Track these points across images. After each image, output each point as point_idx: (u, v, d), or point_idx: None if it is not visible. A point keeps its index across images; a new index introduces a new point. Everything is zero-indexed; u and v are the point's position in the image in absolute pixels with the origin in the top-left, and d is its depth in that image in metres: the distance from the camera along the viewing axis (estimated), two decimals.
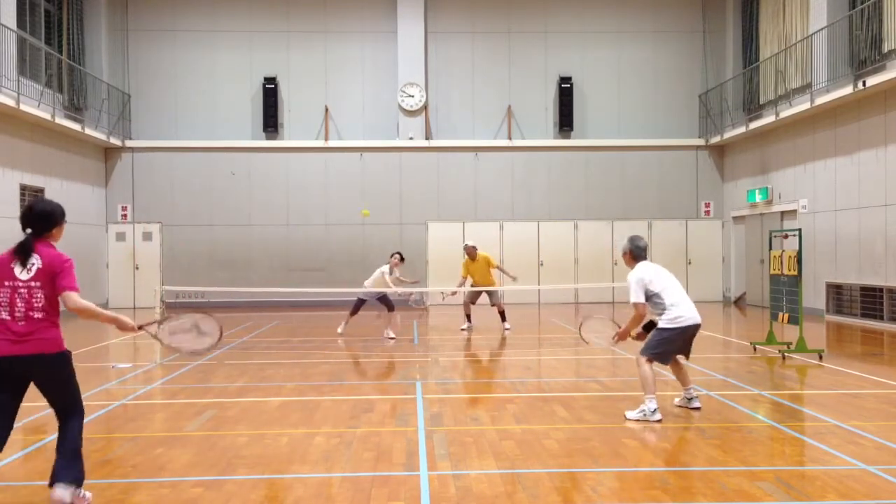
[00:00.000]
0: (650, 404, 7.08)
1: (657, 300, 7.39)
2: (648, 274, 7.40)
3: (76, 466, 4.80)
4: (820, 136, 17.63)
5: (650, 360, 7.34)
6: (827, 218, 17.32)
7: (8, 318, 4.77)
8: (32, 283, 4.85)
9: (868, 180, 15.86)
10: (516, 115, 22.65)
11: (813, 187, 17.91)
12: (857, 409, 7.65)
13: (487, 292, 15.01)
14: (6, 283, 4.82)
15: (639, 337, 7.71)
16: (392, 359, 11.48)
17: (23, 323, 4.79)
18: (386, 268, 13.88)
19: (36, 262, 4.92)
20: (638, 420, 7.07)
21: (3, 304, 4.79)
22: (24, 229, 5.04)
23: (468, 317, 15.18)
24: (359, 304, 14.25)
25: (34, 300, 4.84)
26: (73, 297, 4.93)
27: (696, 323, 7.43)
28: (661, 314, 7.44)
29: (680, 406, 7.63)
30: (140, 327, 5.34)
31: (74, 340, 13.74)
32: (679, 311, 7.36)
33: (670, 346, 7.38)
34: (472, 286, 15.00)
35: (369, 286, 13.98)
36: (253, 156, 22.22)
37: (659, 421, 7.01)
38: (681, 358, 7.75)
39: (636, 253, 7.61)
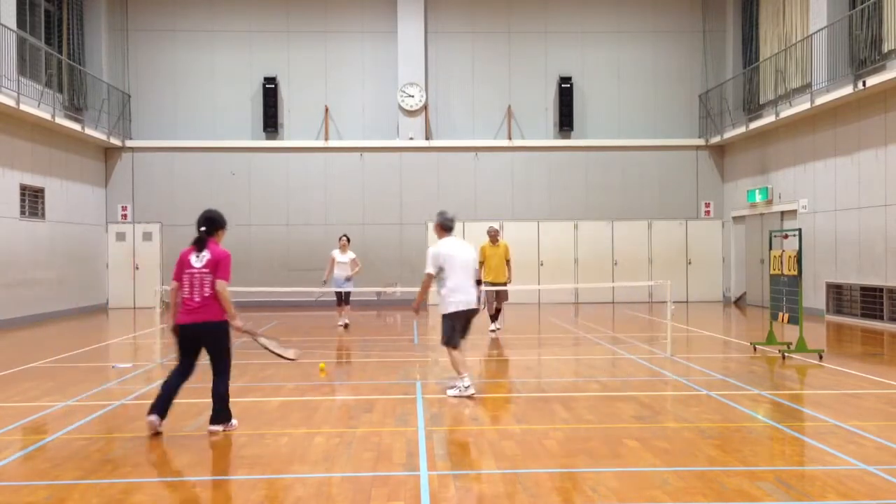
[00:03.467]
0: (464, 382, 8.24)
1: (441, 276, 8.32)
2: (445, 250, 8.33)
3: (224, 410, 6.81)
4: (820, 136, 17.63)
5: (453, 349, 8.37)
6: (827, 218, 17.32)
7: (188, 295, 6.65)
8: (204, 271, 6.66)
9: (868, 180, 15.86)
10: (516, 115, 22.65)
11: (813, 187, 17.91)
12: (857, 409, 7.65)
13: (497, 292, 14.29)
14: (186, 271, 6.68)
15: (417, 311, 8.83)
16: (392, 359, 11.48)
17: (197, 299, 6.64)
18: (335, 251, 15.50)
19: (206, 254, 6.71)
20: (457, 396, 8.18)
21: (184, 285, 6.66)
22: (198, 228, 6.78)
23: (492, 317, 14.66)
24: (338, 296, 15.49)
25: (204, 283, 6.65)
26: (222, 285, 6.67)
27: (472, 308, 8.39)
28: (439, 291, 8.41)
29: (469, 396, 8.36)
30: (248, 331, 6.95)
31: (75, 340, 13.76)
32: (455, 297, 8.28)
33: (455, 330, 8.36)
34: (484, 281, 14.07)
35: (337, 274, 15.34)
36: (253, 156, 22.22)
37: (471, 396, 8.15)
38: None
39: (445, 225, 8.59)
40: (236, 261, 20.58)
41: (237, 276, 21.26)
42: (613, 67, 22.87)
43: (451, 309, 8.26)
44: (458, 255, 8.36)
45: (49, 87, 18.41)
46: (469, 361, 11.69)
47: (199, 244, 6.73)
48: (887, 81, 14.56)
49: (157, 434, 6.62)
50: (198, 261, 6.67)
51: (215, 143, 22.17)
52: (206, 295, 6.63)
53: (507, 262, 14.46)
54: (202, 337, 6.74)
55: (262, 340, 7.20)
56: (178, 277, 6.71)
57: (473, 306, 8.38)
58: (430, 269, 8.31)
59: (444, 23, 22.60)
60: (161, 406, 6.69)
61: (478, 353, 12.69)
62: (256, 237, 21.97)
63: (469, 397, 8.17)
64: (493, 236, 14.52)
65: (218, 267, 6.66)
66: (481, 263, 14.43)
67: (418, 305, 8.73)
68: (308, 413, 7.60)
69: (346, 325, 15.53)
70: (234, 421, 6.91)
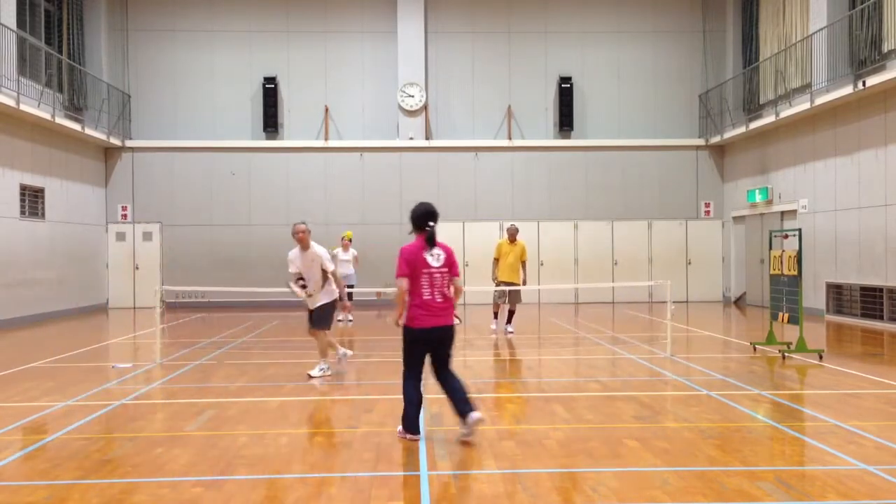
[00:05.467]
0: (324, 364, 9.56)
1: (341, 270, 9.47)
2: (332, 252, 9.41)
3: (468, 396, 6.43)
4: (820, 136, 17.63)
5: (324, 331, 9.57)
6: (827, 218, 17.32)
7: (429, 297, 6.22)
8: (443, 269, 6.29)
9: (868, 180, 15.86)
10: (516, 115, 22.65)
11: (813, 187, 17.91)
12: (857, 409, 7.65)
13: (510, 293, 14.09)
14: (424, 270, 6.22)
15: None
16: (392, 359, 11.47)
17: (440, 300, 6.26)
18: (338, 250, 16.31)
19: (440, 252, 6.31)
20: (319, 376, 9.42)
21: (423, 286, 6.22)
22: (425, 224, 6.30)
23: (496, 315, 14.67)
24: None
25: (444, 283, 6.29)
26: (459, 282, 6.43)
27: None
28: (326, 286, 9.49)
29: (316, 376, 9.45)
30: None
31: (75, 340, 13.76)
32: (330, 290, 9.53)
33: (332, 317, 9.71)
34: (496, 280, 14.22)
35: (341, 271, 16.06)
36: (253, 156, 22.22)
37: (328, 374, 9.46)
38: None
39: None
40: (237, 261, 20.58)
41: (238, 276, 21.18)
42: (613, 67, 22.88)
43: (334, 298, 9.61)
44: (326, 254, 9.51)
45: (49, 87, 18.42)
46: (470, 361, 11.71)
47: (432, 240, 6.28)
48: (887, 81, 14.56)
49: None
50: (434, 259, 6.25)
51: (215, 143, 22.17)
52: (448, 295, 6.31)
53: (523, 263, 14.20)
54: (446, 340, 6.39)
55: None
56: (411, 276, 6.24)
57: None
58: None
59: (444, 23, 22.60)
60: (417, 422, 6.46)
61: (478, 353, 12.68)
62: (256, 237, 21.95)
63: (328, 375, 9.51)
64: (513, 234, 14.24)
65: (453, 264, 6.36)
66: (496, 260, 14.33)
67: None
68: (308, 413, 7.60)
69: (348, 321, 16.42)
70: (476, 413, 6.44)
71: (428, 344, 6.33)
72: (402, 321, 6.35)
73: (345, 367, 10.24)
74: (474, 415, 6.28)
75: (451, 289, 6.36)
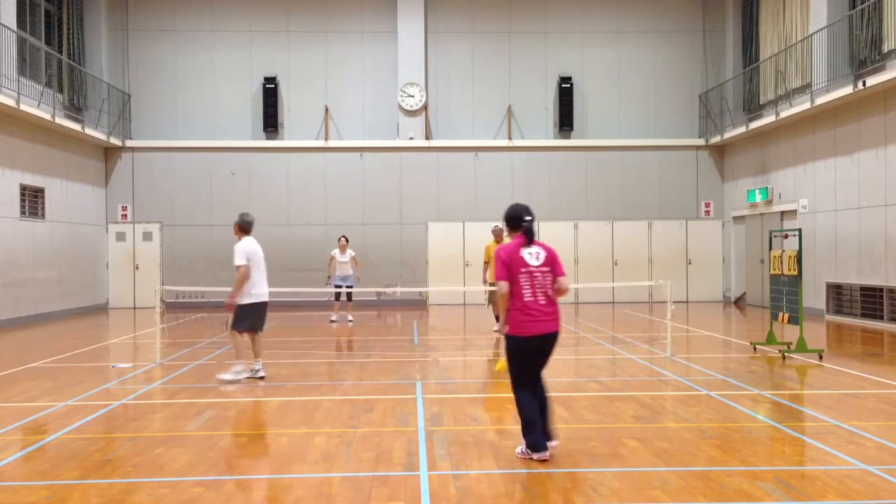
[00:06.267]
0: (238, 367, 9.19)
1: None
2: (251, 249, 9.25)
3: (549, 419, 5.88)
4: (820, 136, 17.63)
5: (240, 333, 9.29)
6: (827, 218, 17.32)
7: (531, 299, 5.68)
8: (544, 269, 5.78)
9: (868, 180, 15.86)
10: (516, 115, 22.65)
11: (813, 187, 17.91)
12: (857, 409, 7.65)
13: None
14: (523, 270, 5.70)
15: (228, 308, 9.25)
16: (392, 359, 11.47)
17: (543, 302, 5.74)
18: (335, 252, 16.48)
19: (540, 250, 5.82)
20: (231, 381, 9.07)
21: (523, 288, 5.68)
22: (521, 220, 5.81)
23: (497, 317, 14.76)
24: (337, 294, 16.58)
25: (546, 284, 5.77)
26: (567, 282, 5.90)
27: (264, 301, 9.39)
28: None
29: (249, 378, 9.21)
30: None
31: (75, 340, 13.76)
32: (255, 290, 9.22)
33: (247, 319, 9.27)
34: (489, 281, 14.21)
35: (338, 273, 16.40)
36: (253, 156, 22.22)
37: (240, 381, 9.02)
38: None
39: (244, 227, 9.48)
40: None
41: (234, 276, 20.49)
42: (613, 67, 22.87)
43: (254, 300, 9.26)
44: (259, 253, 9.39)
45: (49, 87, 18.41)
46: (471, 361, 11.72)
47: (530, 235, 5.82)
48: (887, 81, 14.55)
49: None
50: (534, 258, 5.77)
51: (215, 143, 22.17)
52: (551, 297, 5.81)
53: None
54: (548, 348, 5.88)
55: None
56: (511, 278, 5.73)
57: (267, 300, 9.45)
58: (243, 262, 9.13)
59: (444, 23, 22.60)
60: (542, 438, 5.79)
61: (479, 353, 12.68)
62: (256, 237, 21.81)
63: (254, 379, 9.20)
64: (499, 235, 14.17)
65: (556, 263, 5.87)
66: (486, 263, 14.47)
67: (232, 300, 9.19)
68: (308, 413, 7.60)
69: (348, 322, 16.62)
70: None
71: (534, 351, 5.81)
72: (505, 328, 5.83)
73: (242, 383, 9.15)
74: (550, 443, 5.86)
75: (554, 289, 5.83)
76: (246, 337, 9.39)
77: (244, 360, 9.29)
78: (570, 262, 22.15)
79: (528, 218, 5.85)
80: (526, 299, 5.68)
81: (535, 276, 5.73)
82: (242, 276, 9.10)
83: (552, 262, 5.83)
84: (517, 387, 5.85)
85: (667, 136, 22.74)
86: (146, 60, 22.32)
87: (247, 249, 9.23)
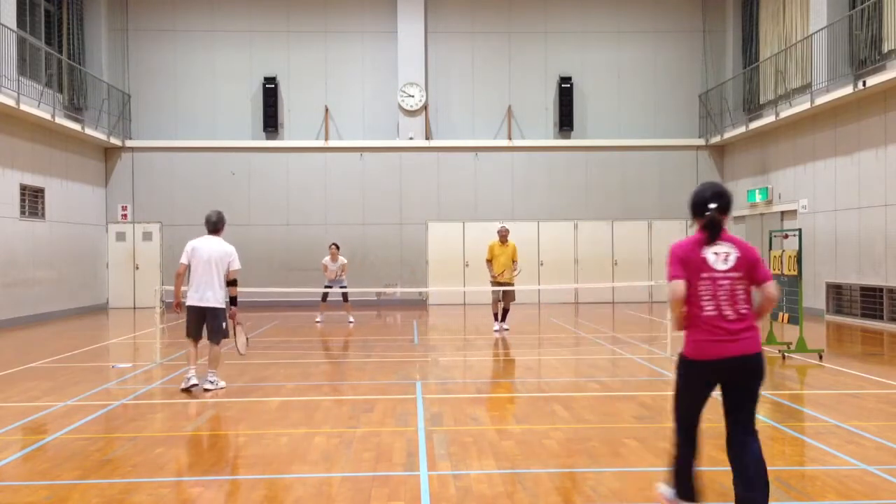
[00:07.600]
0: (212, 376, 8.76)
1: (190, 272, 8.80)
2: (191, 247, 8.95)
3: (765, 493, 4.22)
4: (820, 136, 17.63)
5: (186, 336, 8.90)
6: (827, 218, 17.32)
7: (713, 312, 4.25)
8: (734, 275, 4.30)
9: (868, 180, 15.86)
10: (516, 115, 22.65)
11: (813, 187, 17.91)
12: (857, 409, 7.65)
13: (504, 292, 14.42)
14: (704, 275, 4.30)
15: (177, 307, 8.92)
16: (392, 359, 11.47)
17: (732, 316, 4.24)
18: (326, 259, 16.50)
19: (731, 249, 4.36)
20: (213, 390, 8.61)
21: (703, 297, 4.27)
22: (705, 208, 4.52)
23: (496, 316, 14.79)
24: (324, 295, 16.76)
25: (737, 293, 4.28)
26: (771, 287, 4.35)
27: (198, 306, 8.73)
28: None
29: (184, 389, 8.63)
30: None
31: (75, 340, 13.76)
32: (190, 291, 8.76)
33: (190, 323, 8.82)
34: (492, 279, 14.58)
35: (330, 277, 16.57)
36: (253, 156, 22.22)
37: (188, 390, 8.52)
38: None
39: (207, 227, 9.29)
40: None
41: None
42: (613, 67, 22.87)
43: (189, 303, 8.81)
44: (204, 254, 8.87)
45: (49, 87, 18.41)
46: (471, 361, 11.72)
47: (714, 229, 4.40)
48: (887, 81, 14.55)
49: None
50: (720, 260, 4.32)
51: (215, 142, 22.16)
52: (745, 312, 4.27)
53: (514, 262, 14.66)
54: (745, 375, 4.29)
55: None
56: (688, 278, 4.32)
57: (202, 304, 8.70)
58: (181, 259, 8.92)
59: (444, 23, 22.60)
60: (692, 486, 4.44)
61: (479, 352, 12.69)
62: (256, 237, 21.94)
63: (185, 391, 8.56)
64: (504, 236, 14.65)
65: (755, 266, 4.33)
66: (489, 261, 14.70)
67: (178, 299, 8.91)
68: (308, 413, 7.60)
69: (349, 322, 16.64)
70: None
71: (712, 382, 4.35)
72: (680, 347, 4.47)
73: (218, 394, 8.69)
74: None
75: (758, 299, 4.38)
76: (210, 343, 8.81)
77: (214, 368, 8.77)
78: (569, 261, 22.17)
79: (714, 205, 4.46)
80: (706, 313, 4.26)
81: (721, 284, 4.28)
82: (175, 275, 9.05)
83: (748, 264, 4.32)
84: (677, 425, 4.49)
85: (667, 136, 22.73)
86: (146, 60, 22.32)
87: (187, 247, 8.96)
